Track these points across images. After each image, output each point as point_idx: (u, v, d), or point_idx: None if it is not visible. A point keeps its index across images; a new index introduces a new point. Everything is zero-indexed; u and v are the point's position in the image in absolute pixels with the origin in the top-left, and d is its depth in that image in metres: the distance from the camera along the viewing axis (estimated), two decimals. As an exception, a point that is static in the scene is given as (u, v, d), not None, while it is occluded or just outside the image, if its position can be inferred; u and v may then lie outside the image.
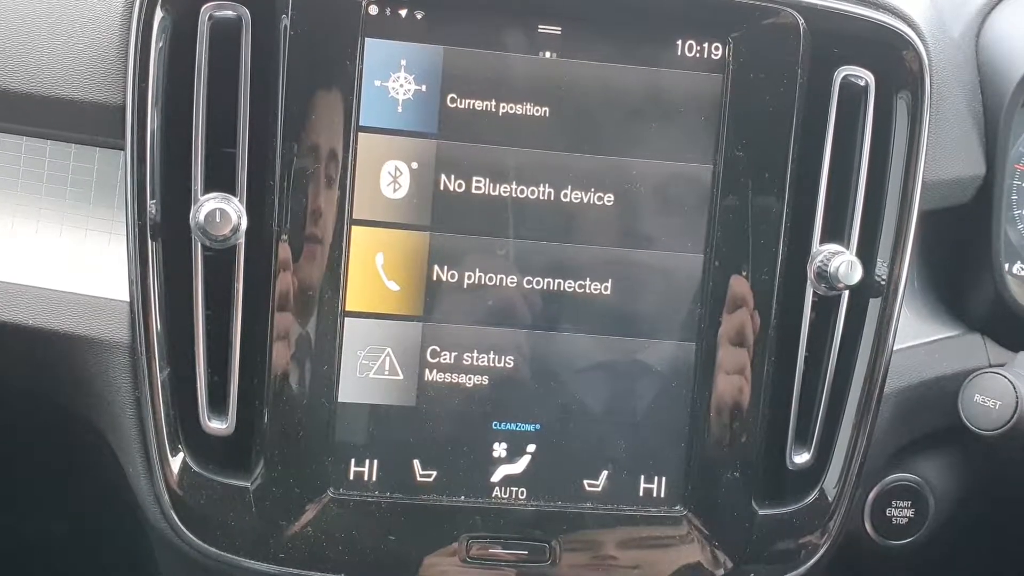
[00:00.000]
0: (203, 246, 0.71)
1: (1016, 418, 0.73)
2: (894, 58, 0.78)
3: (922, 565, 0.95)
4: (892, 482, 0.88)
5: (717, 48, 0.75)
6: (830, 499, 0.78)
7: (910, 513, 0.90)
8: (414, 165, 0.73)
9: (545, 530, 0.75)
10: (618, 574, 0.76)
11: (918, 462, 0.89)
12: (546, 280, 0.75)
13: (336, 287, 0.72)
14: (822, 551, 0.79)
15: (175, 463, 0.73)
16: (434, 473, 0.75)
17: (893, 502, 0.89)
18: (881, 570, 0.95)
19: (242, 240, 0.71)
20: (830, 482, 0.78)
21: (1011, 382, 0.74)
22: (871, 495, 0.88)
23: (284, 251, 0.72)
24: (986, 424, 0.75)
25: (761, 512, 0.77)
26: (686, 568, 0.76)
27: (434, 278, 0.73)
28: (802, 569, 0.78)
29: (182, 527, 0.73)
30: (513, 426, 0.75)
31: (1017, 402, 0.74)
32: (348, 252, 0.73)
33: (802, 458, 0.78)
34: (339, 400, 0.73)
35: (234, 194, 0.71)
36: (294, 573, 0.73)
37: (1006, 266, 0.87)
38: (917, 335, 0.85)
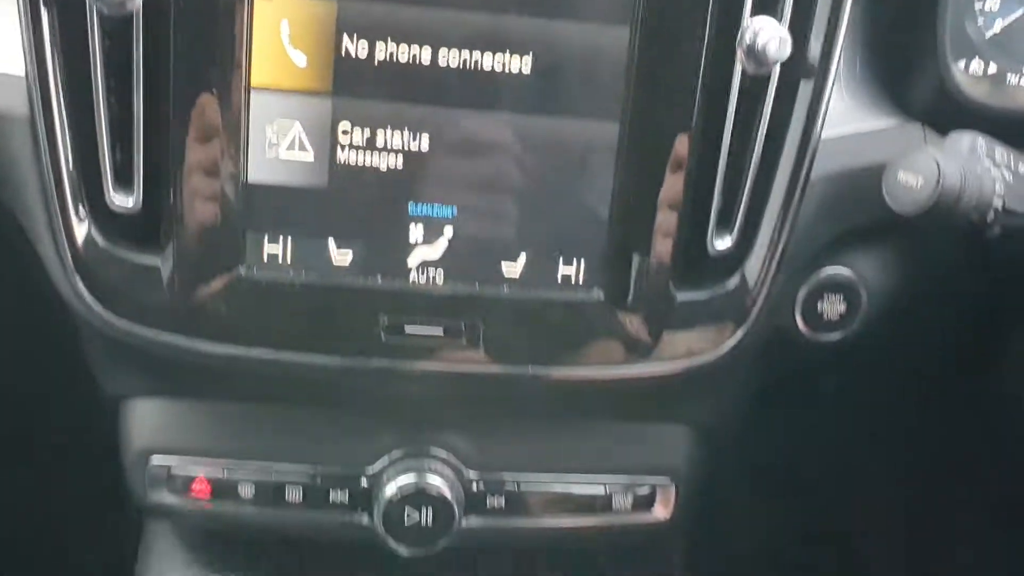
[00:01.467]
0: (98, 12, 0.68)
1: (938, 196, 0.71)
2: None
3: (853, 362, 0.95)
4: (824, 276, 0.88)
5: None
6: (751, 285, 0.78)
7: (842, 308, 0.89)
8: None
9: (462, 312, 0.75)
10: (534, 355, 0.76)
11: (851, 256, 0.87)
12: (464, 53, 0.71)
13: (239, 58, 0.69)
14: (739, 336, 0.78)
15: (80, 232, 0.72)
16: (350, 254, 0.74)
17: (825, 295, 0.88)
18: (813, 367, 0.95)
19: (139, 4, 0.68)
20: (751, 268, 0.77)
21: (936, 160, 0.72)
22: (802, 290, 0.87)
23: (182, 18, 0.68)
24: (908, 203, 0.74)
25: (680, 297, 0.77)
26: (600, 351, 0.76)
27: (343, 51, 0.70)
28: (717, 354, 0.78)
29: (90, 297, 0.73)
30: (429, 208, 0.74)
31: (939, 180, 0.71)
32: (252, 20, 0.69)
33: (724, 243, 0.77)
34: (249, 180, 0.71)
35: None
36: (209, 346, 0.73)
37: (959, 63, 0.84)
38: (855, 122, 0.82)
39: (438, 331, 0.75)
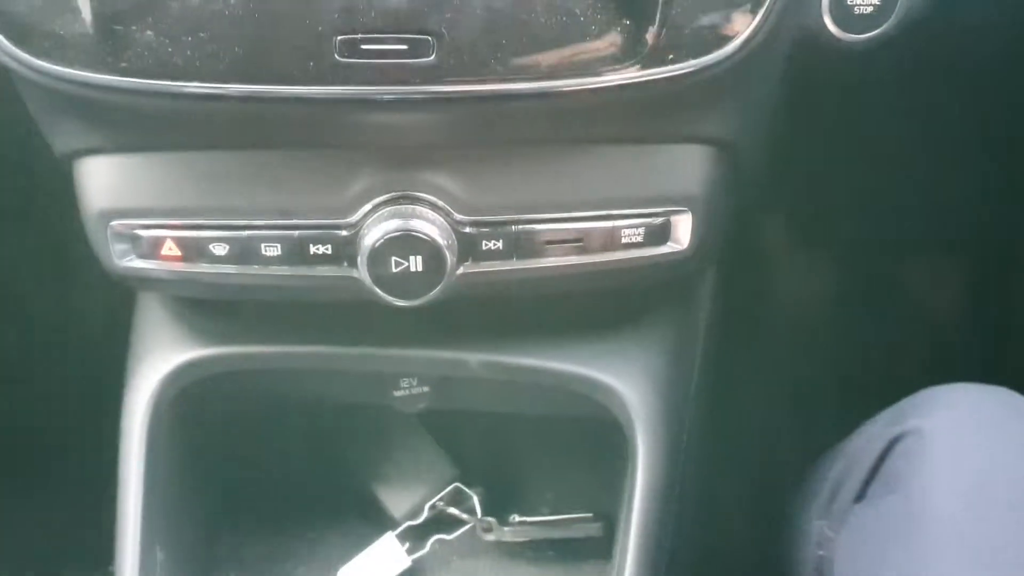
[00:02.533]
0: None
1: None
2: None
3: (886, 69, 0.84)
4: (856, -39, 0.76)
5: None
6: None
7: (876, 0, 0.77)
8: None
9: (427, 21, 0.64)
10: (516, 68, 0.66)
11: (887, -66, 0.75)
12: None
13: None
14: (755, 26, 0.67)
15: None
16: None
17: (856, -14, 0.77)
18: (842, 74, 0.84)
19: None
20: None
21: None
22: (830, -20, 0.76)
23: None
24: None
25: None
26: (595, 55, 0.66)
27: None
28: (730, 49, 0.67)
29: (3, 38, 0.64)
30: None
31: None
32: None
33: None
34: None
35: None
36: (142, 84, 0.65)
37: None
38: None
39: (401, 47, 0.65)
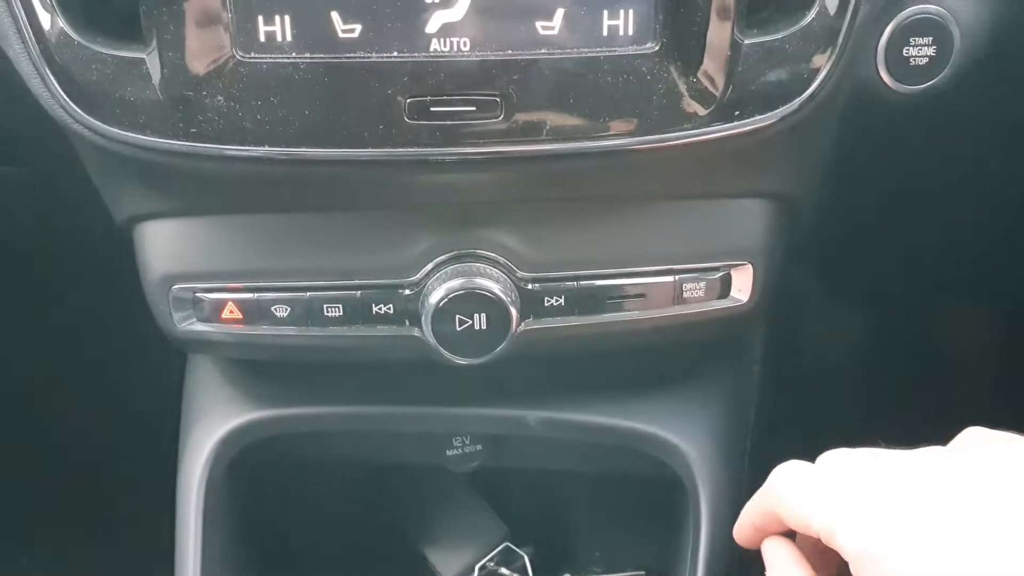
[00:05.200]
0: None
1: None
2: None
3: (944, 117, 0.84)
4: (910, 16, 0.76)
5: None
6: (831, 16, 0.66)
7: (931, 51, 0.78)
8: None
9: (495, 82, 0.65)
10: (583, 127, 0.66)
11: (941, -12, 0.76)
12: None
13: None
14: (819, 81, 0.67)
15: (46, 24, 0.62)
16: (358, 27, 0.63)
17: (911, 39, 0.77)
18: (899, 124, 0.84)
19: None
20: (828, 2, 0.66)
21: None
22: (885, 34, 0.76)
23: None
24: None
25: (747, 41, 0.66)
26: (663, 110, 0.66)
27: None
28: (793, 107, 0.68)
29: (72, 104, 0.64)
30: None
31: None
32: None
33: (795, -26, 0.65)
34: None
35: None
36: (210, 148, 0.65)
37: None
38: None
39: (469, 108, 0.65)
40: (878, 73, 0.76)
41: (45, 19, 0.63)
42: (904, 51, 0.77)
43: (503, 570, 1.02)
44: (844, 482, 0.62)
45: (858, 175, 0.95)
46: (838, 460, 0.65)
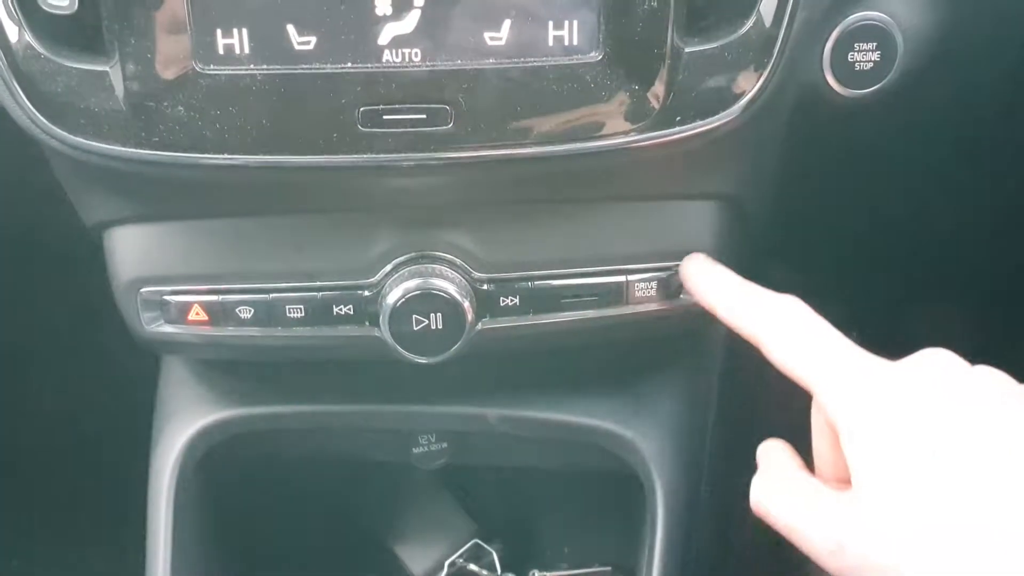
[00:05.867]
0: None
1: None
2: None
3: (890, 118, 0.87)
4: (853, 23, 0.78)
5: None
6: (767, 26, 0.69)
7: (875, 56, 0.80)
8: None
9: (445, 92, 0.67)
10: (530, 133, 0.69)
11: (885, -3, 0.78)
12: None
13: None
14: (758, 88, 0.70)
15: (13, 37, 0.65)
16: (313, 39, 0.66)
17: (856, 45, 0.79)
18: (846, 127, 0.87)
19: None
20: (767, 8, 0.69)
21: None
22: (830, 41, 0.78)
23: None
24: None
25: (688, 49, 0.68)
26: (607, 117, 0.68)
27: None
28: (735, 111, 0.70)
29: (39, 115, 0.66)
30: None
31: None
32: None
33: (732, -18, 0.68)
34: None
35: None
36: (172, 156, 0.67)
37: None
38: None
39: (420, 116, 0.67)
40: (824, 78, 0.78)
41: (12, 32, 0.65)
42: (849, 56, 0.79)
43: (472, 566, 1.04)
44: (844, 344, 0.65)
45: (819, 176, 0.97)
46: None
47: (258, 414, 0.90)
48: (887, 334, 1.39)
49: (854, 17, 0.77)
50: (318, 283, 0.78)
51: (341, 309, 0.78)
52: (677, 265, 0.80)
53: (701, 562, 0.90)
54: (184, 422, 0.90)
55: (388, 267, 0.77)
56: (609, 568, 1.03)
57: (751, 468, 0.76)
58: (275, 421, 0.91)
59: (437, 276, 0.76)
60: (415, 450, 0.97)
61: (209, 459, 0.91)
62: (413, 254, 0.77)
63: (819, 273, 1.35)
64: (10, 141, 0.71)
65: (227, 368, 0.90)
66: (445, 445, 0.97)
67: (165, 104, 0.66)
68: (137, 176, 0.70)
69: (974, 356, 0.66)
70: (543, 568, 1.04)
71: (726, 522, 1.06)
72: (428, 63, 0.66)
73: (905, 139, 0.94)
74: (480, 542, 1.05)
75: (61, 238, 0.85)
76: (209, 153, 0.67)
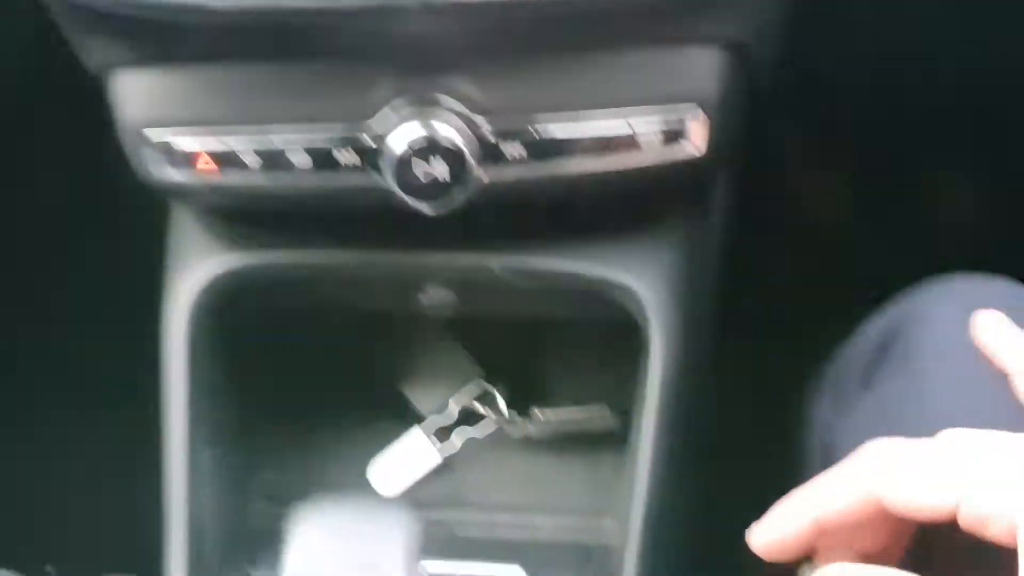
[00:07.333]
0: None
1: None
2: None
3: None
4: None
5: None
6: None
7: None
8: None
9: None
10: None
11: None
12: None
13: None
14: None
15: None
16: None
17: None
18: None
19: None
20: None
21: None
22: None
23: None
24: None
25: None
26: None
27: None
28: None
29: None
30: None
31: None
32: None
33: None
34: None
35: None
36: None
37: None
38: None
39: None
40: None
41: None
42: None
43: (477, 403, 1.08)
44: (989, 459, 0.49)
45: (829, 18, 0.95)
46: (961, 435, 0.52)
47: (271, 262, 0.92)
48: (895, 186, 1.39)
49: None
50: (318, 128, 0.78)
51: (343, 155, 0.79)
52: (680, 108, 0.79)
53: (693, 410, 0.93)
54: (196, 271, 0.92)
55: (388, 109, 0.77)
56: (604, 405, 1.07)
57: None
58: (287, 270, 0.93)
59: (440, 121, 0.77)
60: (422, 298, 0.99)
61: (222, 307, 0.93)
62: (415, 98, 0.77)
63: (824, 129, 1.35)
64: None
65: (239, 218, 0.92)
66: (453, 294, 0.99)
67: None
68: (134, 16, 0.69)
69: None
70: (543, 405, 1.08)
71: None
72: None
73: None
74: (484, 383, 1.08)
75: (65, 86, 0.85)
76: None
